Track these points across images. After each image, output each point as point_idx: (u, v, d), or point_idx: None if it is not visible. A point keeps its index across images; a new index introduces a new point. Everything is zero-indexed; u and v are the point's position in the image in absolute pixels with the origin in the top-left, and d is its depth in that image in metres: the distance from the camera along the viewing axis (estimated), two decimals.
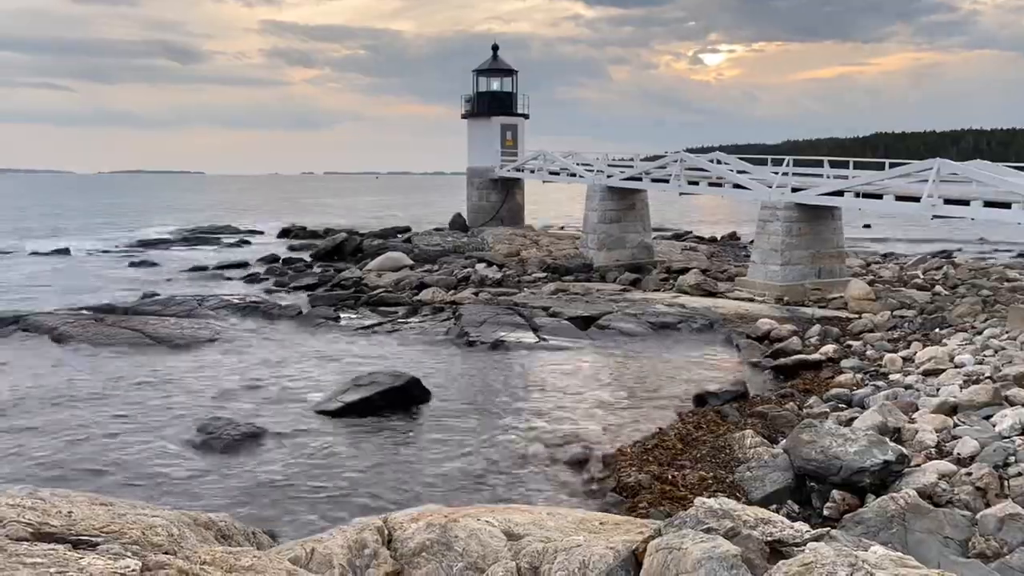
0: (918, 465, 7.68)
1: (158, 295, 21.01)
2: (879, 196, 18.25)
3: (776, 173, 20.62)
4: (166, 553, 3.61)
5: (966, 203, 16.20)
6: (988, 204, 15.77)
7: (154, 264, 29.88)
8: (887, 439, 7.95)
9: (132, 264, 29.97)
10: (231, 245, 38.10)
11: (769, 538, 3.53)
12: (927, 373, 11.49)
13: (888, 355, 13.01)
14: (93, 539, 3.51)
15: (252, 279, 25.49)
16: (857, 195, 18.58)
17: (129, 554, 3.42)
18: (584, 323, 17.13)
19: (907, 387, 10.95)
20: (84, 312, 18.19)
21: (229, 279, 25.71)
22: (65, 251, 34.28)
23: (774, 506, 7.22)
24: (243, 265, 28.56)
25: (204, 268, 28.07)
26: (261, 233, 44.80)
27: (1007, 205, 15.37)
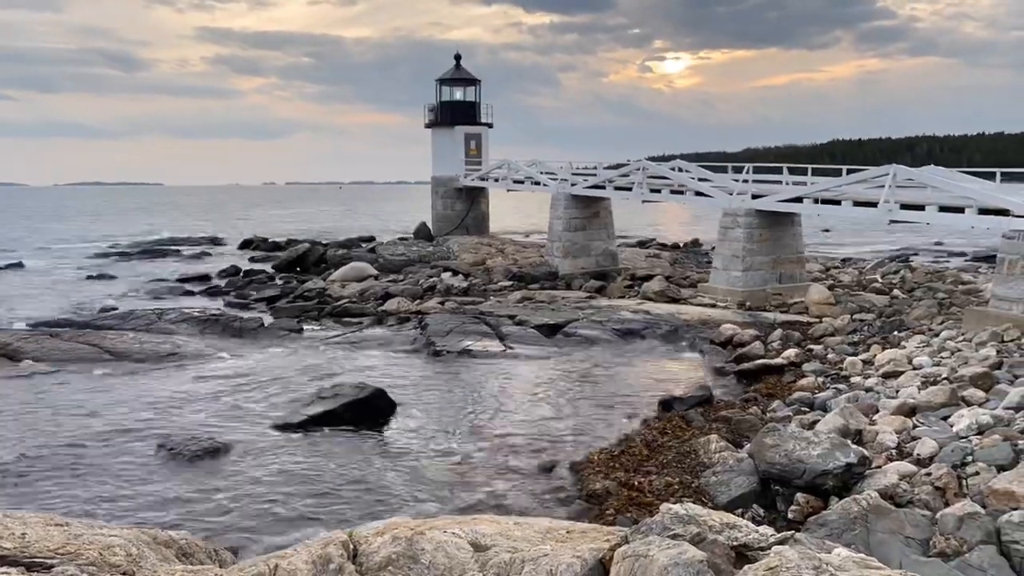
0: (879, 466, 7.81)
1: (116, 309, 20.62)
2: (837, 202, 18.57)
3: (737, 180, 20.91)
4: (124, 574, 3.53)
5: (921, 208, 16.56)
6: (943, 209, 16.14)
7: (112, 277, 29.33)
8: (849, 441, 8.07)
9: (89, 277, 29.40)
10: (191, 257, 37.54)
11: (735, 543, 3.55)
12: (887, 375, 11.69)
13: (849, 358, 13.21)
14: (48, 561, 3.42)
15: (213, 292, 25.12)
16: (816, 201, 18.89)
17: (86, 575, 3.33)
18: (550, 331, 17.16)
19: (867, 390, 11.13)
20: (40, 327, 17.79)
21: (190, 292, 25.31)
22: (19, 265, 33.50)
23: (740, 510, 7.28)
24: (204, 278, 28.13)
25: (164, 281, 27.63)
26: (222, 244, 44.25)
27: (960, 210, 15.74)
